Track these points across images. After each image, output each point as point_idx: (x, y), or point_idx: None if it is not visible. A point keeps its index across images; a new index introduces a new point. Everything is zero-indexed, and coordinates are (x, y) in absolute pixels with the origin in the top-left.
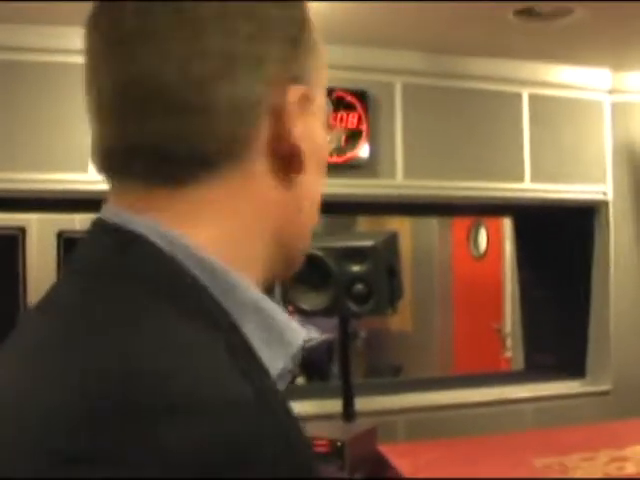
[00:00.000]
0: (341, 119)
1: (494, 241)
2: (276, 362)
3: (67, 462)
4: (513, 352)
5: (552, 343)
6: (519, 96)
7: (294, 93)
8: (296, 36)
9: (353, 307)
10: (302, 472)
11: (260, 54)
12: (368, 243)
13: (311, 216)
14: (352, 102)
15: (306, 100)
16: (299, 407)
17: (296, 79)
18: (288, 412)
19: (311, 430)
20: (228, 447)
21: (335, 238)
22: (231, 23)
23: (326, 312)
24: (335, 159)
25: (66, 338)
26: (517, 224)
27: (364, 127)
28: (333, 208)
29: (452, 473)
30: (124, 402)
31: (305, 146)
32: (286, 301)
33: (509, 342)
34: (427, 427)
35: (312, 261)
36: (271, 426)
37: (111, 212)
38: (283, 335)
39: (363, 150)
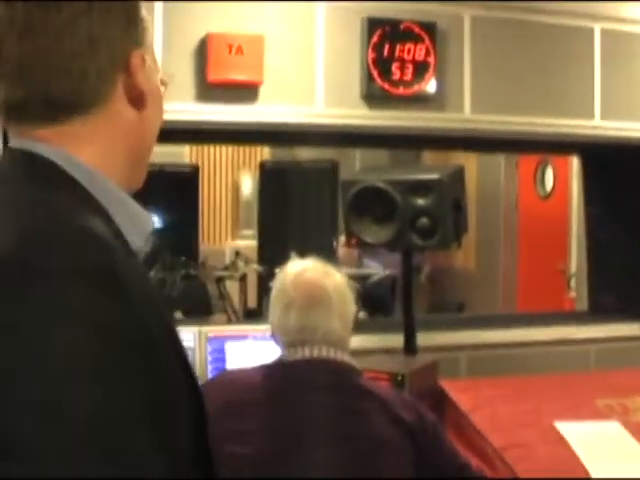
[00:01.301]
0: (408, 51)
1: (561, 181)
2: (135, 242)
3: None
4: (577, 293)
5: (617, 284)
6: (591, 31)
7: (137, 56)
8: (133, 13)
9: (417, 240)
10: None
11: (111, 33)
12: (434, 176)
13: (152, 141)
14: (420, 34)
15: (142, 59)
16: (361, 341)
17: (137, 44)
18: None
19: (372, 363)
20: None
21: (400, 171)
22: (93, 14)
23: (390, 245)
24: (402, 91)
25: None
26: (585, 163)
27: (432, 59)
28: (398, 141)
29: (512, 410)
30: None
31: (146, 89)
32: (350, 234)
33: (573, 283)
34: (488, 364)
35: (377, 194)
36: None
37: (22, 143)
38: (140, 222)
39: (430, 83)
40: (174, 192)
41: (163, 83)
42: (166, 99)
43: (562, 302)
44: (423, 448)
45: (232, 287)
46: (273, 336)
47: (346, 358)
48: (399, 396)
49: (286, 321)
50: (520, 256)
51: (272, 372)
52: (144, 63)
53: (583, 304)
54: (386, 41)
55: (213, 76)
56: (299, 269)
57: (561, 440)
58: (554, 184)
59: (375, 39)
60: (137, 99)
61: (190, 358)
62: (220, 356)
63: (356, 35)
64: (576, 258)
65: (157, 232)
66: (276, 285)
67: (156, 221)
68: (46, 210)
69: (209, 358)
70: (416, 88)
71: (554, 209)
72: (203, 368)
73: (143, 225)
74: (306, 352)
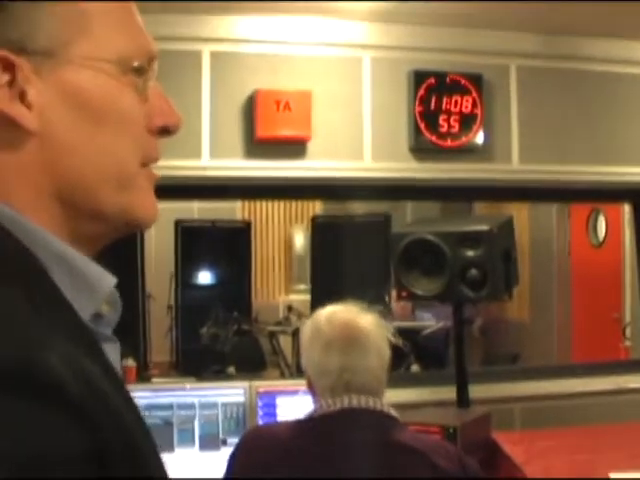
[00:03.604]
0: (455, 103)
1: (613, 228)
2: (87, 308)
3: None
4: (632, 341)
5: None
6: (636, 77)
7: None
8: None
9: (467, 292)
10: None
11: None
12: (483, 228)
13: (87, 168)
14: (466, 86)
15: (41, 59)
16: (414, 394)
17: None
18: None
19: (424, 417)
20: None
21: (450, 223)
22: None
23: (440, 298)
24: (450, 143)
25: None
26: (636, 210)
27: (479, 111)
28: (448, 193)
29: (567, 461)
30: None
31: (47, 107)
32: (400, 286)
33: (628, 331)
34: (544, 416)
35: (426, 246)
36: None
37: None
38: (89, 282)
39: (478, 134)
40: (226, 248)
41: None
42: (215, 157)
43: (617, 351)
44: None
45: (285, 342)
46: (310, 388)
47: (385, 408)
48: (441, 446)
49: (326, 363)
50: (574, 305)
51: (306, 427)
52: (43, 65)
53: (639, 353)
54: (433, 93)
55: (261, 132)
56: (330, 311)
57: None
58: (606, 232)
59: (422, 92)
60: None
61: (240, 414)
62: (271, 411)
63: (403, 88)
64: (630, 306)
65: (210, 288)
66: (308, 330)
67: (207, 278)
68: None
69: (260, 413)
70: (464, 140)
71: (607, 257)
72: (254, 423)
73: (93, 287)
74: (345, 402)
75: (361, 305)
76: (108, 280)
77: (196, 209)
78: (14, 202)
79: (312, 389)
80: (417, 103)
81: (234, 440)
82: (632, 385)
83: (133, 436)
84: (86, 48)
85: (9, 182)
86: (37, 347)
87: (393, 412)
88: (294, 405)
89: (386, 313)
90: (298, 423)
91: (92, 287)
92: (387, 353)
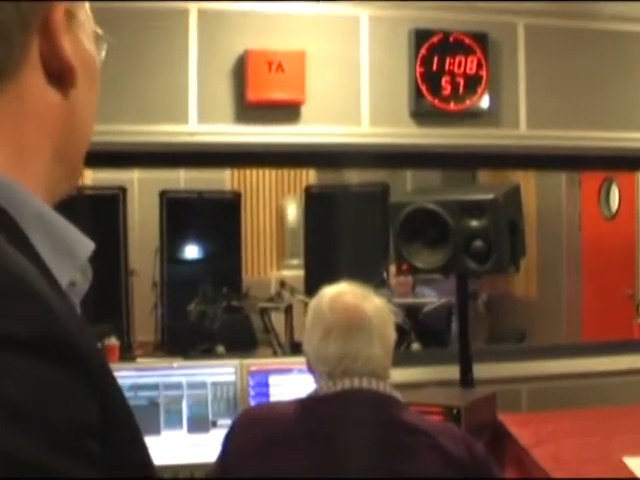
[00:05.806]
0: (459, 64)
1: (627, 199)
2: (65, 275)
3: None
4: None
5: None
6: None
7: (58, 10)
8: None
9: (472, 265)
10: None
11: None
12: (488, 196)
13: (87, 131)
14: (471, 45)
15: (70, 16)
16: (415, 373)
17: None
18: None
19: (426, 397)
20: None
21: (453, 191)
22: None
23: (442, 270)
24: (453, 107)
25: None
26: None
27: (484, 73)
28: (451, 160)
29: (577, 444)
30: None
31: (74, 60)
32: (400, 259)
33: None
34: (551, 397)
35: (428, 216)
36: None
37: None
38: (69, 247)
39: (483, 98)
40: (214, 220)
41: (98, 42)
42: (203, 122)
43: (631, 329)
44: None
45: (278, 319)
46: (309, 368)
47: (388, 389)
48: (447, 428)
49: (325, 349)
50: (584, 281)
51: (305, 406)
52: (72, 20)
53: None
54: (435, 54)
55: (252, 96)
56: (335, 293)
57: (631, 477)
58: (620, 203)
59: (423, 52)
60: (61, 74)
61: (231, 394)
62: (263, 390)
63: (403, 48)
64: None
65: (197, 262)
66: (311, 312)
67: (194, 252)
68: None
69: (251, 392)
70: (468, 103)
71: (620, 230)
72: (245, 403)
73: (73, 253)
74: (345, 384)
75: (366, 287)
76: (87, 245)
77: (182, 179)
78: (12, 154)
79: (312, 370)
80: (418, 64)
81: (224, 422)
82: None
83: (128, 412)
84: (83, 14)
85: (5, 136)
86: (57, 316)
87: (397, 394)
88: (288, 384)
89: (386, 292)
90: (299, 402)
91: (72, 252)
92: (392, 338)
